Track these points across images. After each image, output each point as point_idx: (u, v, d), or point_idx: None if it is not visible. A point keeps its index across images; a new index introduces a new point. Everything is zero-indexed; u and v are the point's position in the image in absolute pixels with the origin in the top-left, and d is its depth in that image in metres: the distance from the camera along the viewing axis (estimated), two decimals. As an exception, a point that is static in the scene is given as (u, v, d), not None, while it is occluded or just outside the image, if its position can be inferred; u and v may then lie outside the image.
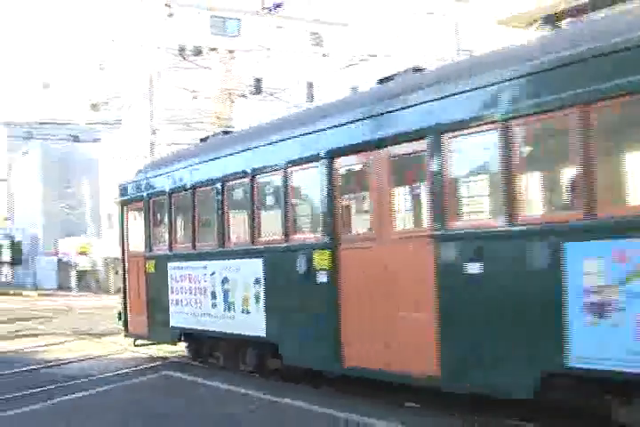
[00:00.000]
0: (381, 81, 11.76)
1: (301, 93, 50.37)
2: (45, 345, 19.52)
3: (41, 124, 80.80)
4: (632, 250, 7.07)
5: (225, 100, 42.30)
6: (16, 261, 79.94)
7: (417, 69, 11.22)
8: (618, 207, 7.57)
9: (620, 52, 7.30)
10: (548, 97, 7.99)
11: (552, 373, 7.97)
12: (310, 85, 53.86)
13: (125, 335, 17.58)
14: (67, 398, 11.67)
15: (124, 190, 18.13)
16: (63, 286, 71.22)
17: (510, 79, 8.45)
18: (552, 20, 10.80)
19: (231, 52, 43.00)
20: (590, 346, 7.49)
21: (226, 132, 16.72)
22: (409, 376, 9.70)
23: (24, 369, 15.16)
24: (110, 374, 14.10)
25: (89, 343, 19.73)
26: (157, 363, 15.59)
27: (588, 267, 7.51)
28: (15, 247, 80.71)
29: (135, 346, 16.86)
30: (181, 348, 16.29)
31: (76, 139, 77.59)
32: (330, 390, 11.63)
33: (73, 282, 67.23)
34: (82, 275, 66.22)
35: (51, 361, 16.30)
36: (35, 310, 35.69)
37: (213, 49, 43.94)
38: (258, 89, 48.37)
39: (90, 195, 65.27)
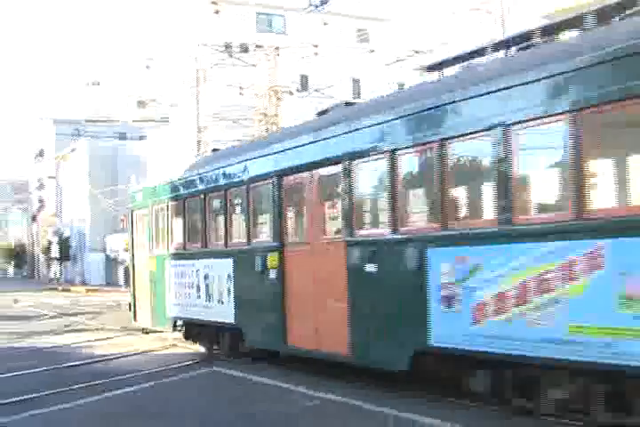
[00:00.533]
0: (319, 114, 14.78)
1: (347, 90, 50.31)
2: (94, 340, 19.69)
3: (89, 121, 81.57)
4: (470, 256, 9.50)
5: (271, 97, 42.36)
6: (64, 257, 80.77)
7: (348, 103, 14.15)
8: (463, 222, 10.16)
9: (472, 99, 9.71)
10: (419, 134, 10.45)
11: (420, 350, 10.30)
12: (356, 82, 53.78)
13: (136, 323, 20.59)
14: (117, 392, 11.77)
15: (132, 198, 21.57)
16: (111, 282, 71.88)
17: (393, 119, 10.95)
18: (438, 67, 11.24)
19: (277, 48, 43.04)
20: (444, 329, 9.86)
21: (215, 149, 19.84)
22: (333, 355, 12.21)
23: (73, 364, 15.29)
24: (157, 369, 14.15)
25: (136, 339, 19.85)
26: (206, 359, 15.63)
27: (442, 268, 9.89)
28: (63, 244, 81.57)
29: (144, 333, 19.53)
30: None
31: (122, 136, 78.33)
32: (370, 385, 11.58)
33: (120, 278, 67.77)
34: (129, 271, 66.80)
35: (99, 356, 16.44)
36: (83, 306, 36.10)
37: (259, 46, 44.01)
38: (304, 86, 48.38)
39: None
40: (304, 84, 48.89)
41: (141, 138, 71.54)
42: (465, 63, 11.44)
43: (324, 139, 12.49)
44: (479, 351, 9.38)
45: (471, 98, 9.68)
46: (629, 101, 7.75)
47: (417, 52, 35.57)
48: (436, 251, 10.07)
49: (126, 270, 64.75)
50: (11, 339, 21.07)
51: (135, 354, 16.68)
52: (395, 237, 10.85)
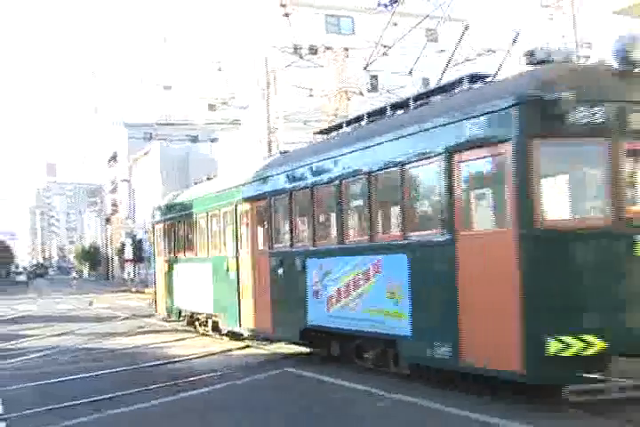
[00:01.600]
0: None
1: (418, 90, 50.12)
2: (167, 342, 19.91)
3: (160, 124, 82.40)
4: (324, 264, 14.22)
5: (341, 97, 42.39)
6: (138, 258, 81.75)
7: (283, 152, 19.21)
8: (321, 242, 14.63)
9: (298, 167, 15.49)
10: (279, 187, 16.19)
11: (304, 328, 14.93)
12: (426, 82, 53.54)
13: (157, 315, 26.28)
14: (193, 392, 11.90)
15: (153, 215, 28.02)
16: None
17: (270, 175, 16.79)
18: (325, 131, 17.52)
19: (346, 49, 43.06)
20: (315, 313, 14.50)
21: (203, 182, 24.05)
22: (263, 332, 17.07)
23: (149, 364, 15.49)
24: (232, 370, 14.25)
25: (210, 340, 20.01)
26: (278, 359, 15.72)
27: (312, 272, 14.60)
28: (136, 246, 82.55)
29: (166, 321, 23.06)
30: (303, 349, 16.46)
31: (194, 139, 78.94)
32: (437, 385, 11.54)
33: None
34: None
35: (174, 357, 16.61)
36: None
37: (329, 47, 44.07)
38: (374, 86, 48.31)
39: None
40: (374, 84, 48.82)
41: (212, 140, 71.98)
42: (342, 130, 16.15)
43: (255, 181, 17.63)
44: (332, 328, 14.06)
45: (343, 155, 13.80)
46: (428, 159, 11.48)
47: (488, 51, 35.30)
48: (310, 261, 14.78)
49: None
50: (87, 340, 21.42)
51: (209, 355, 16.82)
52: (291, 250, 15.68)
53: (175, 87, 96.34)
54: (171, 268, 24.21)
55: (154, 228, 27.18)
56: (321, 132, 17.78)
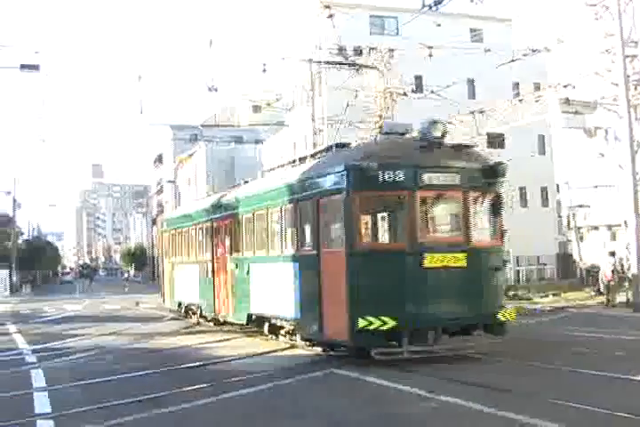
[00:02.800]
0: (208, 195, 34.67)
1: (463, 90, 49.89)
2: (214, 342, 19.98)
3: (205, 126, 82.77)
4: (258, 267, 19.49)
5: (386, 98, 42.29)
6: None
7: (231, 186, 26.38)
8: (258, 252, 19.54)
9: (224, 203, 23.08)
10: (234, 211, 21.59)
11: (250, 314, 19.85)
12: (471, 82, 53.30)
13: (164, 305, 31.83)
14: (235, 393, 11.94)
15: (161, 225, 34.98)
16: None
17: (228, 202, 22.48)
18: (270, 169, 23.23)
19: (391, 50, 42.95)
20: (254, 303, 19.48)
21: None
22: (225, 317, 22.56)
23: (194, 364, 15.55)
24: (276, 370, 14.26)
25: (257, 340, 20.03)
26: (322, 360, 15.70)
27: (253, 272, 19.58)
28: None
29: (170, 311, 26.93)
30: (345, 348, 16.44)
31: (239, 140, 79.22)
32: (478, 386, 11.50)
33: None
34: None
35: (219, 357, 16.67)
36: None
37: (373, 48, 43.99)
38: (419, 87, 48.16)
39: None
40: (419, 85, 48.67)
41: (257, 141, 72.25)
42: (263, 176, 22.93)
43: (220, 205, 23.47)
44: (261, 313, 19.46)
45: (266, 192, 19.56)
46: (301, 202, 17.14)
47: (533, 50, 35.04)
48: (253, 265, 19.98)
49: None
50: (133, 340, 21.58)
51: (254, 355, 16.84)
52: (242, 257, 20.74)
53: (220, 89, 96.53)
54: (173, 269, 29.82)
55: (162, 235, 34.00)
56: (263, 173, 23.94)
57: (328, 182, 15.83)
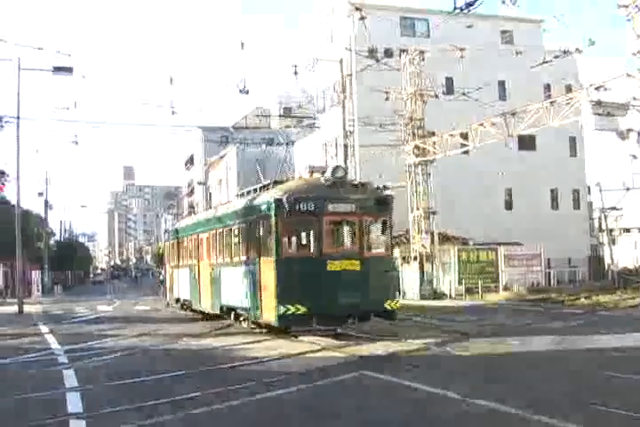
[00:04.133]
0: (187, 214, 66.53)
1: (493, 92, 49.72)
2: (244, 343, 20.01)
3: (236, 128, 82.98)
4: (225, 271, 25.66)
5: (417, 100, 42.25)
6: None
7: (212, 207, 40.58)
8: (225, 260, 25.73)
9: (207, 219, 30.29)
10: (199, 230, 30.08)
11: (221, 306, 25.74)
12: (502, 84, 53.11)
13: (165, 301, 39.86)
14: (267, 394, 11.98)
15: (165, 235, 48.30)
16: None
17: (206, 220, 30.43)
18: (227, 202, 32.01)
19: (421, 52, 42.90)
20: (225, 297, 25.39)
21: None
22: (207, 309, 28.24)
23: (225, 366, 15.60)
24: (308, 372, 14.28)
25: (286, 342, 20.09)
26: (353, 362, 15.72)
27: (223, 274, 25.74)
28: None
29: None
30: (375, 350, 16.46)
31: (270, 142, 79.25)
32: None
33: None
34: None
35: (250, 358, 16.70)
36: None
37: (404, 50, 43.95)
38: (449, 89, 48.07)
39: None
40: (449, 87, 48.58)
41: (289, 143, 72.28)
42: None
43: (201, 222, 30.74)
44: (229, 305, 24.82)
45: (225, 215, 26.46)
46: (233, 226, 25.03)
47: (565, 52, 34.90)
48: (222, 268, 25.78)
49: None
50: (165, 341, 21.67)
51: (286, 357, 16.87)
52: (216, 262, 26.79)
53: (252, 91, 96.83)
54: (173, 272, 36.26)
55: (165, 245, 45.06)
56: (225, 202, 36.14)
57: (263, 210, 21.76)
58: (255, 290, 21.87)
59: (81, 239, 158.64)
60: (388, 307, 21.33)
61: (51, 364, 16.67)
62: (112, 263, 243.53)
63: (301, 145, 65.89)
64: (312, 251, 21.11)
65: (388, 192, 23.59)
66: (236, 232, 24.61)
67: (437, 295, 41.15)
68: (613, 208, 60.71)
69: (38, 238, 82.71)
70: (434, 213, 42.34)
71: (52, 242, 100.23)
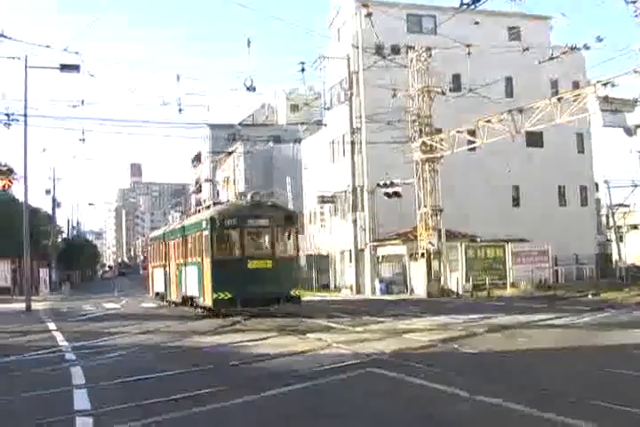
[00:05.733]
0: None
1: (500, 89, 49.62)
2: (251, 340, 19.98)
3: (243, 125, 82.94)
4: (187, 269, 33.54)
5: (424, 97, 42.18)
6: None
7: (216, 203, 35.84)
8: (184, 260, 34.20)
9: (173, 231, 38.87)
10: (168, 238, 39.24)
11: (183, 296, 34.08)
12: (509, 80, 52.99)
13: (149, 295, 46.86)
14: (273, 392, 11.96)
15: (150, 239, 54.00)
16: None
17: (173, 230, 39.31)
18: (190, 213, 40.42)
19: (428, 49, 42.82)
20: (185, 289, 33.57)
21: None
22: (174, 299, 36.60)
23: (232, 363, 15.57)
24: (315, 369, 14.25)
25: (293, 339, 20.06)
26: (360, 360, 15.66)
27: (185, 272, 33.63)
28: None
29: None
30: (384, 349, 16.43)
31: (277, 139, 79.22)
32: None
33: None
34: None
35: (257, 356, 16.67)
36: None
37: (411, 47, 43.87)
38: (456, 85, 47.97)
39: (292, 193, 66.36)
40: (456, 83, 48.49)
41: (296, 141, 72.24)
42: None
43: (171, 231, 39.56)
44: (188, 295, 33.08)
45: (183, 226, 35.54)
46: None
47: (572, 48, 34.78)
48: (183, 267, 33.82)
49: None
50: (171, 338, 21.66)
51: (292, 354, 16.84)
52: (179, 262, 34.88)
53: (259, 88, 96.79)
54: (153, 271, 44.84)
55: (149, 248, 55.77)
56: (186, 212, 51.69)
57: (203, 225, 30.51)
58: (200, 283, 30.50)
59: (88, 237, 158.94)
60: (293, 294, 29.57)
61: (58, 361, 16.68)
62: (119, 260, 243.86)
63: (308, 142, 65.90)
64: (236, 254, 29.50)
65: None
66: (190, 240, 33.03)
67: (444, 292, 41.13)
68: (621, 205, 60.58)
69: (46, 236, 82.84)
70: (441, 210, 42.31)
71: (59, 240, 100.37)
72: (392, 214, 46.10)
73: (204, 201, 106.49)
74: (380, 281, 48.30)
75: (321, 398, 11.56)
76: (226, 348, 18.90)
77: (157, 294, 42.54)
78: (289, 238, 30.66)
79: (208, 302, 29.25)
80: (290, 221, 30.91)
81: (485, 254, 44.17)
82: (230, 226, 29.50)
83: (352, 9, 52.47)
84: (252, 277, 28.20)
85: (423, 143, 41.79)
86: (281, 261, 29.43)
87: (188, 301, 33.23)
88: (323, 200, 58.09)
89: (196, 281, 31.01)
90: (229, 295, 28.02)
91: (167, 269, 38.43)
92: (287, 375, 13.50)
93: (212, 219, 29.46)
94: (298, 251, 33.17)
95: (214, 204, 34.08)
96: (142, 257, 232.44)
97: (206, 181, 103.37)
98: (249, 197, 31.25)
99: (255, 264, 28.71)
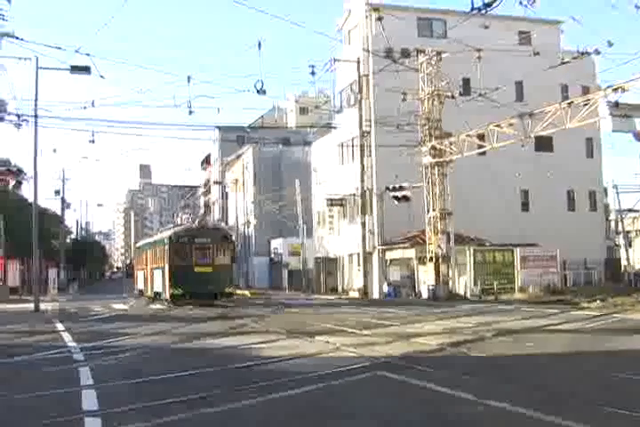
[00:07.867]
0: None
1: (510, 93, 49.58)
2: (259, 343, 19.99)
3: (253, 128, 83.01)
4: (155, 272, 46.27)
5: (434, 101, 42.20)
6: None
7: (176, 225, 50.89)
8: (159, 264, 45.66)
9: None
10: (146, 247, 53.14)
11: (154, 292, 46.00)
12: (519, 84, 52.95)
13: (135, 292, 57.25)
14: (281, 394, 11.97)
15: (136, 249, 72.45)
16: (275, 286, 72.72)
17: (151, 242, 52.50)
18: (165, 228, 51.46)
19: (439, 53, 42.85)
20: (155, 286, 46.25)
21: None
22: (148, 294, 48.75)
23: (241, 365, 15.60)
24: (322, 372, 14.23)
25: (301, 342, 20.06)
26: (367, 362, 15.65)
27: (156, 274, 45.60)
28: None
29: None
30: (392, 352, 16.42)
31: (286, 142, 79.29)
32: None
33: (284, 281, 68.45)
34: (293, 275, 67.38)
35: (265, 358, 16.66)
36: (250, 308, 36.79)
37: (421, 51, 43.91)
38: (466, 89, 47.96)
39: (301, 196, 66.43)
40: (466, 87, 48.47)
41: (305, 143, 72.29)
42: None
43: (151, 242, 52.20)
44: (155, 291, 45.52)
45: (155, 240, 50.23)
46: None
47: (583, 53, 34.78)
48: (154, 270, 46.23)
49: (290, 273, 66.00)
50: (180, 340, 21.65)
51: (301, 357, 16.84)
52: (154, 267, 46.50)
53: (269, 91, 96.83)
54: (137, 273, 56.47)
55: (135, 255, 70.52)
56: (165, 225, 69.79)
57: (165, 241, 42.69)
58: (163, 282, 42.43)
59: (97, 238, 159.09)
60: (227, 291, 42.00)
61: (66, 361, 16.69)
62: (128, 262, 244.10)
63: (318, 145, 65.91)
64: (187, 262, 41.11)
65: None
66: (157, 251, 45.60)
67: (452, 296, 41.13)
68: (630, 210, 60.49)
69: (55, 237, 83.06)
70: (450, 213, 42.34)
71: (68, 240, 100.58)
72: (401, 218, 46.13)
73: (214, 203, 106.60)
74: (388, 284, 48.36)
75: (330, 400, 11.57)
76: (235, 350, 18.91)
77: (140, 291, 53.62)
78: (225, 252, 42.80)
79: (167, 296, 41.62)
80: (226, 239, 44.02)
81: (494, 259, 44.18)
82: (183, 242, 41.90)
83: (363, 13, 52.52)
84: (198, 279, 40.23)
85: (432, 147, 41.84)
86: (219, 267, 41.62)
87: (156, 296, 45.04)
88: (332, 203, 58.18)
89: (160, 281, 43.64)
90: (182, 291, 40.44)
91: (145, 271, 50.68)
92: (297, 377, 13.51)
93: (170, 237, 42.79)
94: (232, 261, 44.77)
95: (174, 226, 49.72)
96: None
97: (215, 183, 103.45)
98: (197, 222, 48.01)
99: (200, 269, 40.96)
